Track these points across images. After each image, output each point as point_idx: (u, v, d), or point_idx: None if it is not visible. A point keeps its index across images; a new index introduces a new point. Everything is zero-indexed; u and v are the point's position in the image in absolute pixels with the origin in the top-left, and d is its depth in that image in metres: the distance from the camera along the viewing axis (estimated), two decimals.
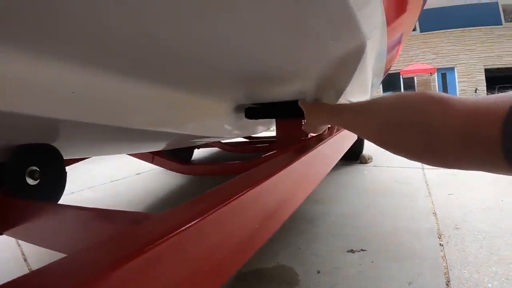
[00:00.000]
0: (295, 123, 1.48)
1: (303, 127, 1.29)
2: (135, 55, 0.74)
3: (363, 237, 1.73)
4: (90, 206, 0.74)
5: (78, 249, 0.64)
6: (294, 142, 1.42)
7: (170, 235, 0.48)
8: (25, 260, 1.76)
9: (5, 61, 0.59)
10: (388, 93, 0.81)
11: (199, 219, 0.53)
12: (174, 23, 0.65)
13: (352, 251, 1.58)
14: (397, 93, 0.67)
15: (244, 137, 3.59)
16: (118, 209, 0.82)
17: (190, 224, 0.51)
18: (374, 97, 0.78)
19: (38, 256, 1.78)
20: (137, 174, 3.88)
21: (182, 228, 0.49)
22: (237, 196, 0.63)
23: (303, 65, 1.12)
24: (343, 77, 1.24)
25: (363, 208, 2.18)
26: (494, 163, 0.45)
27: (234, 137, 2.32)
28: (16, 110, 0.64)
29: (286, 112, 1.44)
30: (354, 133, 0.81)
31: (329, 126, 1.30)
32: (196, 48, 0.77)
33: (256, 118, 1.46)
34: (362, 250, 1.57)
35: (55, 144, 0.91)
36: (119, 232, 0.51)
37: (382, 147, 0.69)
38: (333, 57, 1.09)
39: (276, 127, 1.57)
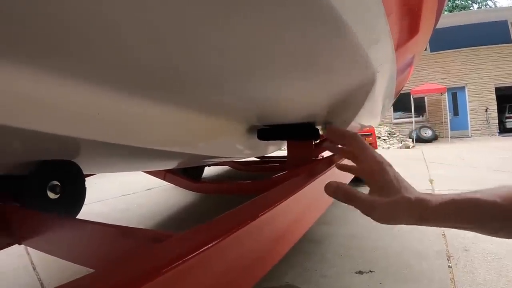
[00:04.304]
0: (306, 144, 1.51)
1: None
2: (158, 80, 0.78)
3: (371, 258, 1.74)
4: (101, 220, 0.77)
5: (100, 264, 0.68)
6: (305, 163, 1.45)
7: (191, 255, 0.51)
8: (34, 268, 1.81)
9: (37, 83, 0.64)
10: None
11: (218, 240, 0.56)
12: (196, 54, 0.69)
13: (360, 272, 1.58)
14: None
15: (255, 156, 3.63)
16: (128, 224, 0.85)
17: (209, 245, 0.54)
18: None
19: (46, 265, 1.84)
20: (148, 189, 3.90)
21: (202, 249, 0.52)
22: (254, 218, 0.65)
23: (314, 95, 1.16)
24: (354, 105, 1.27)
25: (371, 229, 2.17)
26: None
27: (246, 157, 2.35)
28: (45, 129, 0.69)
29: (297, 134, 1.47)
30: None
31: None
32: (215, 76, 0.82)
33: (268, 140, 1.50)
34: (370, 271, 1.58)
35: (76, 161, 0.94)
36: (142, 250, 0.54)
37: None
38: (343, 89, 1.13)
39: (288, 148, 1.60)
